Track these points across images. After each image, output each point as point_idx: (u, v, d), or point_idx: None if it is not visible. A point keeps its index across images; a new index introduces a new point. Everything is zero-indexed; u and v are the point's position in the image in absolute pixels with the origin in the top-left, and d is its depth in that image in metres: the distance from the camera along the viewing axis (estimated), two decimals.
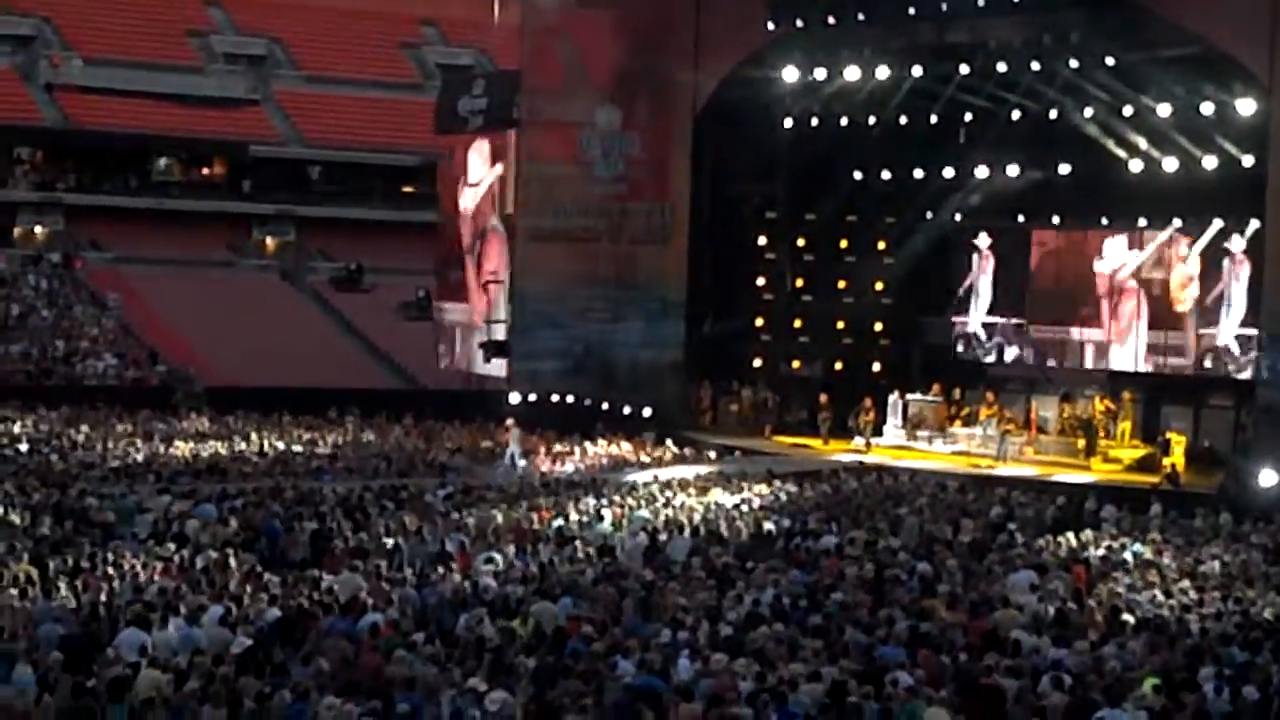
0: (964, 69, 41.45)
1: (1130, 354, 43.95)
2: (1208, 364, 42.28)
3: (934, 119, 44.30)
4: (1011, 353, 46.60)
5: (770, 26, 43.81)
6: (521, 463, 40.15)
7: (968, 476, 38.82)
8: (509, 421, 43.32)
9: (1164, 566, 27.49)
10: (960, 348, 47.43)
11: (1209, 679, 18.64)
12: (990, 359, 46.86)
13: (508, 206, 51.56)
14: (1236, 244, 41.02)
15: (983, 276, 47.07)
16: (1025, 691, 17.99)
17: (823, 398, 45.94)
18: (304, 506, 29.83)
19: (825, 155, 46.72)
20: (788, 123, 46.93)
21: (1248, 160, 38.79)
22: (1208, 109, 38.84)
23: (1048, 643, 20.59)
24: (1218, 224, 41.55)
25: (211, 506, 28.94)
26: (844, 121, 45.66)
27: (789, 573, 24.87)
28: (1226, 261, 41.47)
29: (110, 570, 23.06)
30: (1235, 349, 41.25)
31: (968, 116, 44.36)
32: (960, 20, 40.84)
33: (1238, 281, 41.19)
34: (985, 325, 46.96)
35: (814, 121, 46.41)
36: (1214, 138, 39.57)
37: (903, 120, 44.90)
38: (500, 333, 50.96)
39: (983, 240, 46.95)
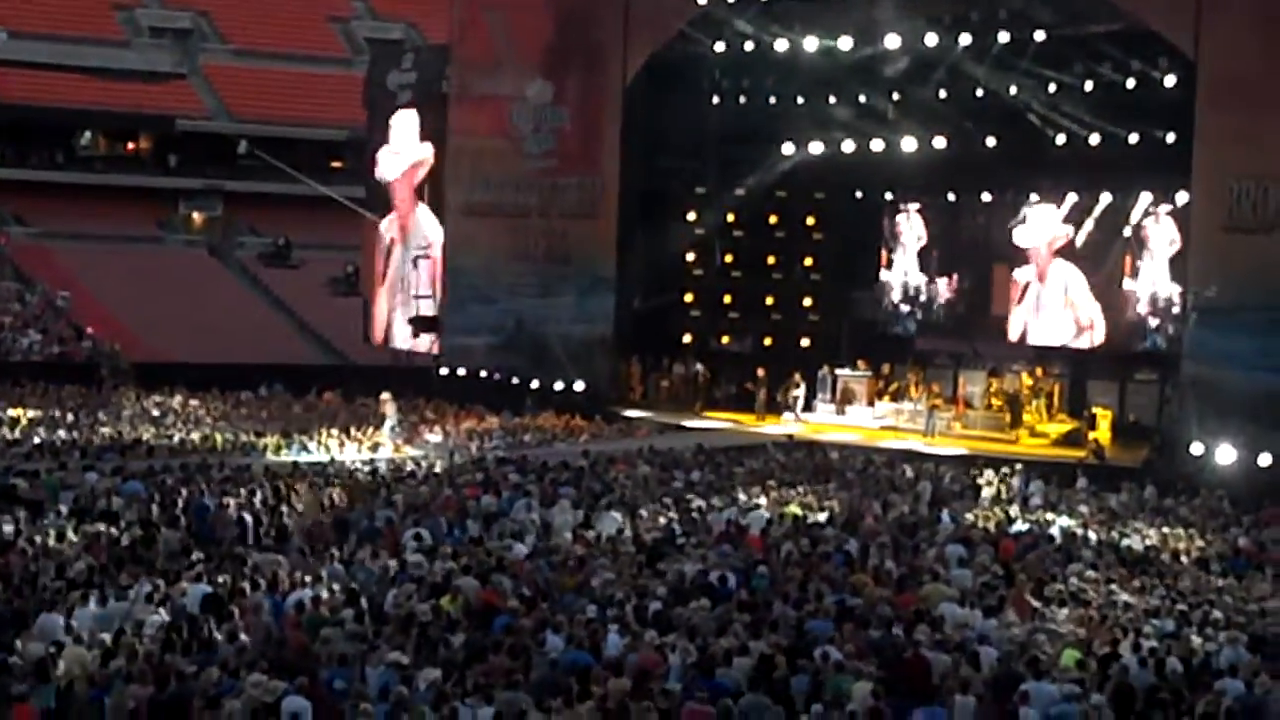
0: (893, 42, 41.43)
1: (1055, 328, 44.17)
2: (1136, 336, 42.58)
3: (863, 95, 44.31)
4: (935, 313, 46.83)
5: (700, 1, 43.66)
6: (398, 435, 39.83)
7: (896, 451, 38.96)
8: (384, 395, 42.77)
9: (1090, 540, 27.72)
10: (886, 312, 47.63)
11: (1133, 651, 18.81)
12: (910, 325, 47.03)
13: (441, 184, 51.51)
14: (1164, 216, 41.25)
15: (908, 239, 47.13)
16: (952, 664, 18.11)
17: (759, 372, 45.93)
18: (232, 484, 29.63)
19: (755, 130, 46.58)
20: (717, 98, 46.85)
21: (1170, 136, 38.98)
22: (1131, 84, 39.02)
23: (975, 616, 20.73)
24: (1146, 197, 41.78)
25: (138, 483, 28.71)
26: (773, 96, 45.62)
27: (717, 548, 24.91)
28: (1154, 229, 41.71)
29: (29, 549, 22.81)
30: (1161, 319, 41.50)
31: (895, 93, 44.33)
32: None
33: (1162, 253, 41.46)
34: (911, 288, 47.16)
35: (743, 96, 46.34)
36: (1138, 112, 39.74)
37: (831, 95, 44.87)
38: (429, 308, 50.77)
39: (912, 206, 47.03)
